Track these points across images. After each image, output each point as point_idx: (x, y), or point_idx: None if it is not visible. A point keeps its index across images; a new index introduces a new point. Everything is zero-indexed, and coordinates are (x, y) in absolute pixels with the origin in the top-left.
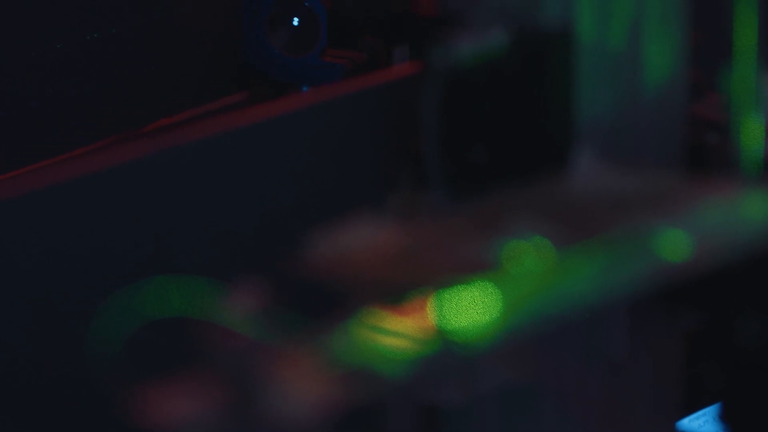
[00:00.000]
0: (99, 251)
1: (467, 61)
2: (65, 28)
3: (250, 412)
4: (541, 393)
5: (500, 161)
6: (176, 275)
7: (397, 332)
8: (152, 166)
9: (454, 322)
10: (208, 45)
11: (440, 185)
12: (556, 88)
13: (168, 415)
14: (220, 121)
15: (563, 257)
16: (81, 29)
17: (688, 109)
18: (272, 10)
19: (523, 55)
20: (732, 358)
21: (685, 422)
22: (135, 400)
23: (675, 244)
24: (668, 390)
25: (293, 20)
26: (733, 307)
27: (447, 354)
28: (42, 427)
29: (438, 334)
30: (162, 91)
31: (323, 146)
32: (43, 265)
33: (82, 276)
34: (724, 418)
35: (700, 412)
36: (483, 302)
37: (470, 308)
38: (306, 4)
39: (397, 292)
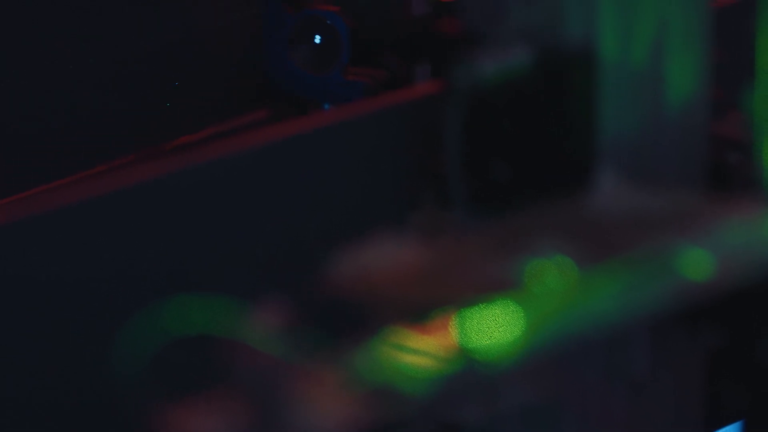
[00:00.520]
0: (122, 269)
1: (490, 80)
2: (89, 46)
3: (273, 431)
4: (563, 412)
5: (522, 180)
6: (199, 293)
7: (419, 351)
8: (175, 184)
9: (476, 341)
10: (229, 62)
11: (462, 204)
12: (578, 107)
13: None
14: (242, 139)
15: (585, 276)
16: (103, 47)
17: (710, 128)
18: (294, 28)
19: (546, 74)
20: (754, 376)
21: None
22: (159, 419)
23: (697, 262)
24: (690, 408)
25: (315, 38)
26: (754, 325)
27: (469, 372)
28: None
29: (460, 353)
30: (184, 108)
31: (345, 164)
32: (66, 283)
33: (105, 294)
34: None
35: (722, 431)
36: (505, 321)
37: (493, 327)
38: (328, 22)
39: (419, 311)
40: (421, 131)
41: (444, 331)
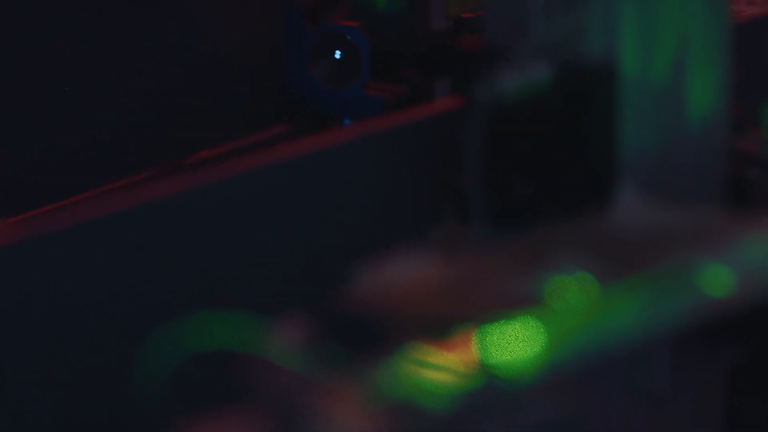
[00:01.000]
0: (142, 284)
1: (510, 96)
2: (107, 61)
3: None
4: (584, 428)
5: (543, 196)
6: (220, 309)
7: (440, 366)
8: (195, 199)
9: (497, 357)
10: (250, 77)
11: (483, 220)
12: (599, 123)
13: None
14: (262, 154)
15: (606, 292)
16: (122, 63)
17: (730, 143)
18: (314, 43)
19: (566, 90)
20: None
21: None
22: None
23: (717, 278)
24: (710, 425)
25: (335, 53)
26: None
27: (490, 388)
28: None
29: (481, 369)
30: (203, 123)
31: (365, 180)
32: (87, 298)
33: (126, 309)
34: None
35: None
36: (526, 337)
37: (514, 343)
38: (348, 37)
39: (441, 327)
40: (442, 147)
41: (465, 346)
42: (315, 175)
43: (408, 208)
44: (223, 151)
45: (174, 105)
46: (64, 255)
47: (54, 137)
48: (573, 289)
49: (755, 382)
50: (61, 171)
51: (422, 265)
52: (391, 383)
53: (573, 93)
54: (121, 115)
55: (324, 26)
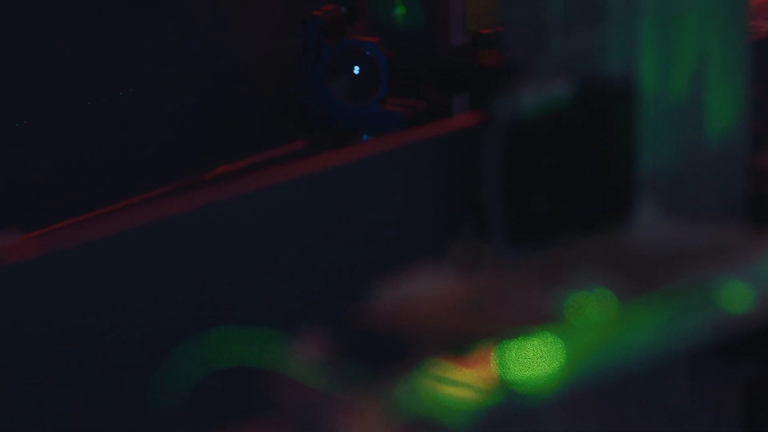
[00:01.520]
0: (162, 301)
1: (529, 112)
2: (123, 76)
3: None
4: None
5: (563, 212)
6: (240, 325)
7: (460, 383)
8: (214, 215)
9: (516, 373)
10: (268, 93)
11: (502, 235)
12: (618, 139)
13: None
14: (281, 170)
15: (625, 308)
16: (142, 77)
17: (750, 160)
18: (333, 59)
19: (585, 106)
20: None
21: None
22: None
23: (736, 295)
24: None
25: (354, 69)
26: None
27: (509, 405)
28: None
29: (501, 385)
30: (222, 138)
31: (384, 196)
32: (105, 315)
33: (146, 326)
34: None
35: None
36: (545, 353)
37: (533, 359)
38: (367, 52)
39: (460, 343)
40: (461, 162)
41: (484, 362)
42: (334, 191)
43: (427, 223)
44: (242, 167)
45: (193, 120)
46: (82, 271)
47: (72, 153)
48: (592, 305)
49: None
50: (79, 186)
51: (441, 281)
52: (410, 399)
53: (592, 109)
54: (139, 131)
55: (343, 42)
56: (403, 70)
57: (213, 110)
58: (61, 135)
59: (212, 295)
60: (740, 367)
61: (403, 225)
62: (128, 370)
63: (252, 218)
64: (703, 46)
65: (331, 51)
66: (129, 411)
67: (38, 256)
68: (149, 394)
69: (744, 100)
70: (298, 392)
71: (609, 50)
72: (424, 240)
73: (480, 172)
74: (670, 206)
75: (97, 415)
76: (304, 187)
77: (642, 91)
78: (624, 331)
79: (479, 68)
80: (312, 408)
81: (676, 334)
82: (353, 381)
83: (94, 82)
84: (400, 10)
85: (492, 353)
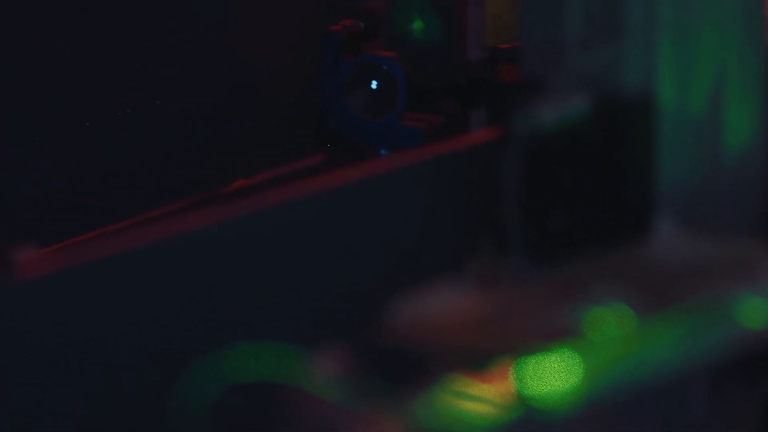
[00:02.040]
0: (181, 316)
1: (548, 127)
2: (144, 90)
3: None
4: None
5: (581, 228)
6: (259, 340)
7: (478, 398)
8: (232, 229)
9: (535, 389)
10: (286, 107)
11: (521, 252)
12: (636, 155)
13: None
14: (299, 185)
15: (644, 324)
16: (159, 90)
17: None
18: (351, 74)
19: (604, 122)
20: None
21: None
22: None
23: (754, 311)
24: None
25: (372, 83)
26: None
27: (528, 420)
28: None
29: (519, 401)
30: (239, 153)
31: (402, 211)
32: (124, 330)
33: (165, 341)
34: None
35: None
36: (564, 369)
37: (551, 375)
38: (385, 67)
39: (479, 359)
40: (479, 178)
41: (503, 378)
42: (352, 206)
43: (445, 239)
44: (260, 181)
45: (210, 134)
46: (100, 286)
47: (88, 167)
48: (610, 321)
49: None
50: (95, 200)
51: (460, 297)
52: (429, 414)
53: (610, 124)
54: (157, 145)
55: (361, 56)
56: (420, 85)
57: (232, 125)
58: (77, 149)
59: (231, 310)
60: (758, 382)
61: (421, 240)
62: (148, 386)
63: (271, 233)
64: (721, 61)
65: (350, 66)
66: (149, 427)
67: (56, 271)
68: (169, 409)
69: (762, 115)
70: (318, 407)
71: (627, 66)
72: (443, 255)
73: (498, 188)
74: (688, 221)
75: (116, 430)
76: (322, 201)
77: (660, 107)
78: (642, 346)
79: (497, 83)
80: (331, 423)
81: (694, 350)
82: (372, 396)
83: (116, 96)
84: (417, 25)
85: (510, 369)
